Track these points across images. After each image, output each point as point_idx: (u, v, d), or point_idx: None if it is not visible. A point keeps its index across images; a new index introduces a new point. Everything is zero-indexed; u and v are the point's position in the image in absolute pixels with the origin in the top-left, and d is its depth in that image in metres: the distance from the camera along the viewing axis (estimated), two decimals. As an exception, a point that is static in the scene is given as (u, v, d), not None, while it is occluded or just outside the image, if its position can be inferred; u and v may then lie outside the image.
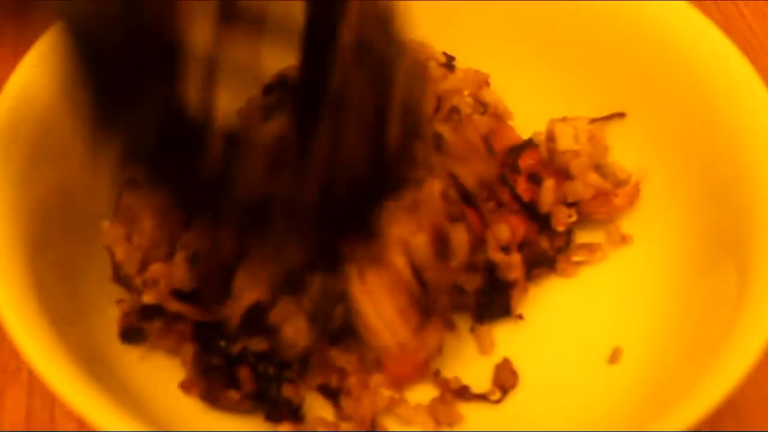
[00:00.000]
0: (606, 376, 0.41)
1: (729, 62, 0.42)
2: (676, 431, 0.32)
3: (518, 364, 0.42)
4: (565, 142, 0.45)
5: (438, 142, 0.43)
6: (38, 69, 0.42)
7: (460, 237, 0.41)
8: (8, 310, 0.35)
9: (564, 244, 0.45)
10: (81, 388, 0.33)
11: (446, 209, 0.41)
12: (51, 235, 0.41)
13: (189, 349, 0.41)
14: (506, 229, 0.42)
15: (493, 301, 0.43)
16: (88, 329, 0.40)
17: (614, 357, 0.42)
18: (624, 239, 0.45)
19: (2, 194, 0.38)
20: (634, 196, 0.45)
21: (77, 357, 0.35)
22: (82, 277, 0.42)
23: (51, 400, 0.43)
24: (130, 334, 0.42)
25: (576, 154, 0.44)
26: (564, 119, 0.46)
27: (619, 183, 0.46)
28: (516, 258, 0.43)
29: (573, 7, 0.47)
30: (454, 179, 0.42)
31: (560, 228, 0.44)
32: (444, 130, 0.43)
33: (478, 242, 0.42)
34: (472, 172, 0.43)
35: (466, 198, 0.42)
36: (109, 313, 0.42)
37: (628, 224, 0.45)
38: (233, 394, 0.40)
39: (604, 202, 0.45)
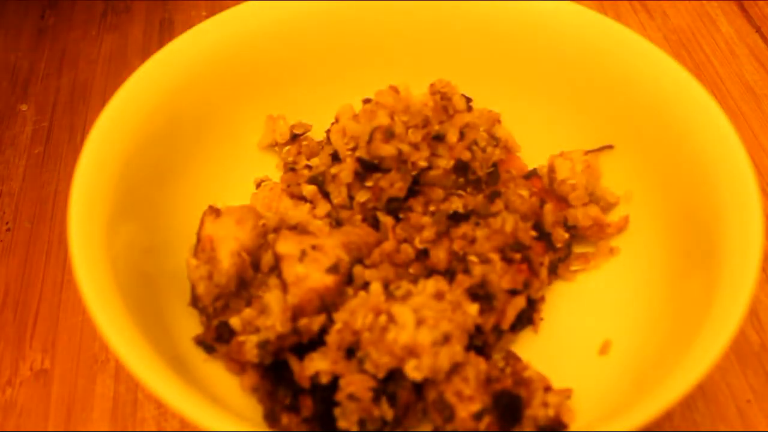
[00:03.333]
0: (597, 364, 0.42)
1: (701, 104, 0.42)
2: (656, 410, 0.33)
3: (523, 354, 0.42)
4: (562, 173, 0.46)
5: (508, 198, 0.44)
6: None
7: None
8: (99, 312, 0.35)
9: (564, 255, 0.45)
10: (159, 375, 0.34)
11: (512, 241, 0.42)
12: (136, 251, 0.41)
13: (251, 377, 0.41)
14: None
15: (523, 314, 0.42)
16: (166, 328, 0.41)
17: (604, 348, 0.42)
18: (612, 251, 0.46)
19: (99, 220, 0.39)
20: (622, 227, 0.46)
21: (156, 350, 0.36)
22: (162, 284, 0.42)
23: (134, 386, 0.45)
24: (203, 345, 0.42)
25: (573, 187, 0.45)
26: (562, 154, 0.46)
27: (609, 206, 0.46)
28: (544, 280, 0.43)
29: (570, 60, 0.47)
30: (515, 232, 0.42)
31: (559, 245, 0.44)
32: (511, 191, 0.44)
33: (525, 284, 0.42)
34: (529, 229, 0.43)
35: (520, 247, 0.42)
36: (184, 314, 0.42)
37: (615, 239, 0.46)
38: (292, 417, 0.39)
39: (599, 230, 0.46)
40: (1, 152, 0.57)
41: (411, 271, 0.42)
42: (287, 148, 0.49)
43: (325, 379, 0.38)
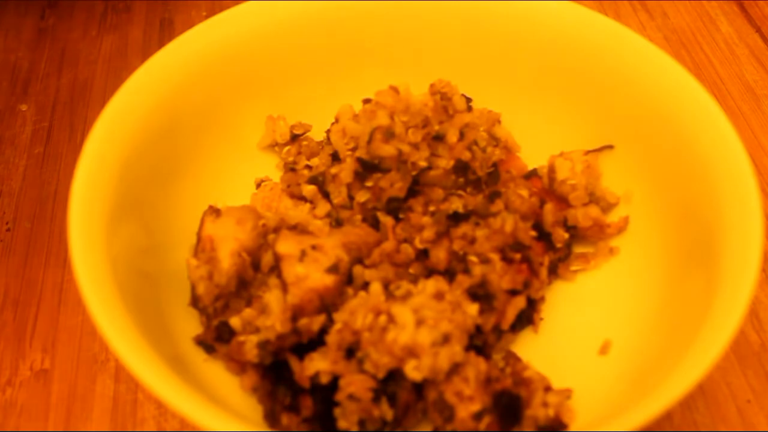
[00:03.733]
0: (597, 364, 0.42)
1: (701, 104, 0.42)
2: (656, 410, 0.33)
3: (523, 354, 0.42)
4: (563, 173, 0.46)
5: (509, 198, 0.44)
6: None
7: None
8: (99, 312, 0.35)
9: (564, 255, 0.45)
10: (159, 375, 0.34)
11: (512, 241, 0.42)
12: (136, 251, 0.41)
13: (251, 377, 0.41)
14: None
15: (523, 314, 0.42)
16: (166, 328, 0.41)
17: (604, 348, 0.42)
18: (612, 251, 0.46)
19: (99, 220, 0.39)
20: (622, 228, 0.46)
21: (156, 350, 0.36)
22: (162, 284, 0.42)
23: (134, 386, 0.45)
24: (203, 345, 0.42)
25: (573, 187, 0.45)
26: (562, 154, 0.46)
27: (609, 206, 0.46)
28: (544, 280, 0.43)
29: (570, 60, 0.47)
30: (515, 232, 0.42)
31: (558, 245, 0.44)
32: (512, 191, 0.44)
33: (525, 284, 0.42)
34: (529, 229, 0.43)
35: (520, 247, 0.42)
36: (184, 314, 0.42)
37: (615, 239, 0.46)
38: (292, 417, 0.39)
39: (599, 231, 0.46)
40: (1, 152, 0.57)
41: (411, 271, 0.42)
42: (287, 148, 0.49)
43: (325, 379, 0.38)
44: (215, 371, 0.41)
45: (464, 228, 0.42)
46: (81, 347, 0.47)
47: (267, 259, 0.41)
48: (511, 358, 0.41)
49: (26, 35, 0.65)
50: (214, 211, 0.42)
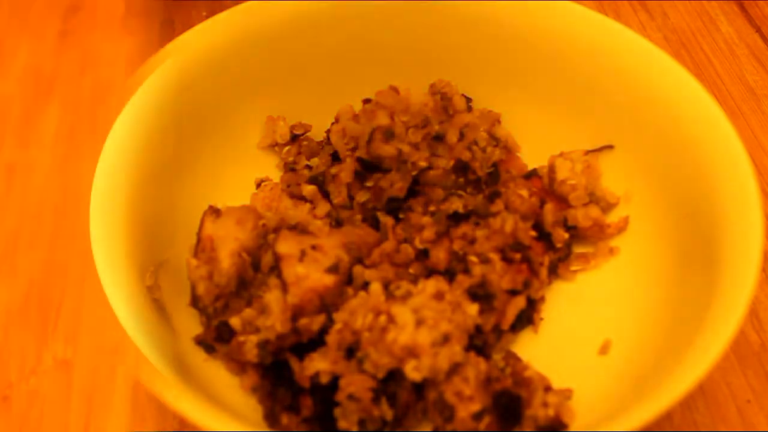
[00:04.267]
0: (597, 364, 0.42)
1: (701, 104, 0.42)
2: (656, 410, 0.33)
3: (523, 354, 0.42)
4: (563, 173, 0.46)
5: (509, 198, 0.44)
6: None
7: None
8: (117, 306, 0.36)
9: (564, 255, 0.45)
10: (160, 375, 0.34)
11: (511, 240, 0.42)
12: (137, 250, 0.41)
13: (251, 377, 0.41)
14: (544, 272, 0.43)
15: (523, 314, 0.42)
16: (165, 328, 0.41)
17: (604, 348, 0.42)
18: (612, 251, 0.46)
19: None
20: (622, 228, 0.46)
21: (156, 350, 0.36)
22: (162, 284, 0.42)
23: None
24: (203, 345, 0.42)
25: (573, 187, 0.45)
26: (562, 154, 0.47)
27: (609, 206, 0.46)
28: (544, 280, 0.43)
29: (570, 60, 0.47)
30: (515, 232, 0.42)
31: (559, 245, 0.44)
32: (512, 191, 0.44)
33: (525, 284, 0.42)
34: (529, 229, 0.43)
35: (520, 247, 0.42)
36: (184, 314, 0.42)
37: (615, 239, 0.46)
38: (292, 417, 0.39)
39: (599, 231, 0.46)
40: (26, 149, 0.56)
41: (411, 271, 0.42)
42: (287, 148, 0.49)
43: (325, 379, 0.38)
44: (215, 371, 0.41)
45: (464, 228, 0.42)
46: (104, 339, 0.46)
47: (267, 259, 0.41)
48: (511, 358, 0.41)
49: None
50: (214, 211, 0.42)
